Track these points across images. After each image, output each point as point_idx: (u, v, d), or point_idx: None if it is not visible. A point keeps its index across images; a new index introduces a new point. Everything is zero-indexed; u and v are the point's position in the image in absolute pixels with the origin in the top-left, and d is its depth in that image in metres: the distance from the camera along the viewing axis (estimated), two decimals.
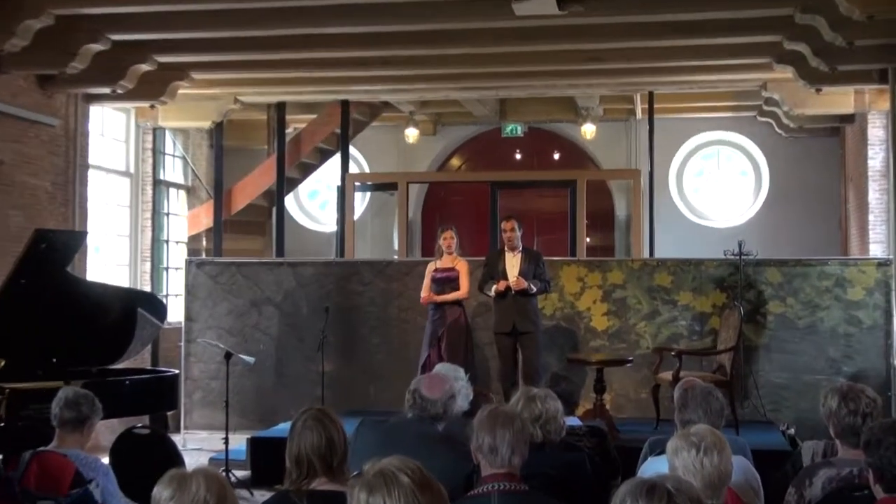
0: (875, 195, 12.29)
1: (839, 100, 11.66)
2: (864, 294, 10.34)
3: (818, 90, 10.33)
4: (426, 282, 9.64)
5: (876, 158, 12.29)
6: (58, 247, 7.68)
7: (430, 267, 9.68)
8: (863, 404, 4.20)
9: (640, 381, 10.47)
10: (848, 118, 13.08)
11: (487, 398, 8.21)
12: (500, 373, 9.62)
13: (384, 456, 2.75)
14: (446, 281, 9.53)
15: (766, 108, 13.67)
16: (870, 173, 12.34)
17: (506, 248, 9.53)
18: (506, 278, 9.36)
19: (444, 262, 9.61)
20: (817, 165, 15.05)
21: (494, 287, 9.38)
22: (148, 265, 12.55)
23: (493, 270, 9.53)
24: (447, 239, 9.61)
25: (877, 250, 12.10)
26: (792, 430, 9.52)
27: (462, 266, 9.56)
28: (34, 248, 7.37)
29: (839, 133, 14.47)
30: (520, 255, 9.47)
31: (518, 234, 9.48)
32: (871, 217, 12.34)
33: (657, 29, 9.22)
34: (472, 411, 4.48)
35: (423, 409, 4.73)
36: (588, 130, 14.99)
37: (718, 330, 9.99)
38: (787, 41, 9.08)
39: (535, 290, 9.32)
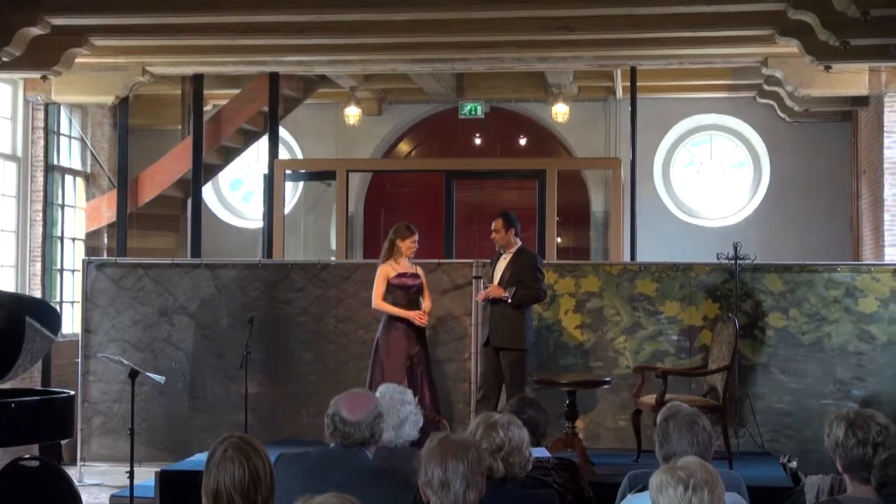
0: (892, 190, 12.36)
1: (851, 79, 11.78)
2: (878, 306, 10.45)
3: (827, 68, 10.41)
4: (380, 288, 9.61)
5: (893, 148, 12.35)
6: None
7: (386, 271, 9.64)
8: (873, 433, 4.24)
9: (618, 405, 10.52)
10: (861, 101, 13.19)
11: (440, 425, 8.23)
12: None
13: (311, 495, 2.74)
14: (417, 290, 9.68)
15: (766, 88, 13.79)
16: (886, 165, 12.41)
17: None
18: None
19: (404, 266, 9.68)
20: (825, 155, 15.20)
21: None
22: (38, 266, 12.43)
23: (488, 275, 9.86)
24: (416, 243, 9.70)
25: (893, 254, 12.21)
26: (794, 464, 9.63)
27: (422, 273, 9.78)
28: None
29: (851, 118, 14.61)
30: (510, 257, 9.69)
31: (507, 233, 9.68)
32: (886, 216, 12.42)
33: None
34: (421, 441, 4.49)
35: (346, 435, 4.70)
36: (560, 112, 15.04)
37: (710, 346, 10.06)
38: (791, 10, 9.14)
39: (508, 298, 9.46)
